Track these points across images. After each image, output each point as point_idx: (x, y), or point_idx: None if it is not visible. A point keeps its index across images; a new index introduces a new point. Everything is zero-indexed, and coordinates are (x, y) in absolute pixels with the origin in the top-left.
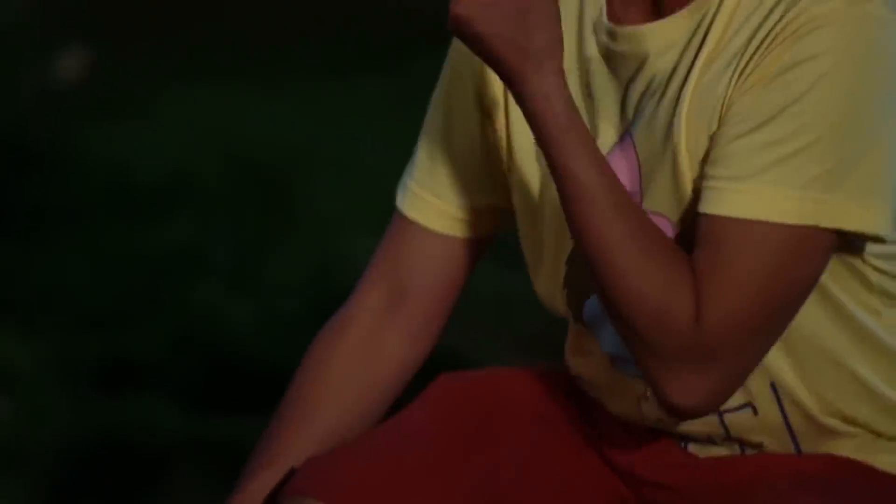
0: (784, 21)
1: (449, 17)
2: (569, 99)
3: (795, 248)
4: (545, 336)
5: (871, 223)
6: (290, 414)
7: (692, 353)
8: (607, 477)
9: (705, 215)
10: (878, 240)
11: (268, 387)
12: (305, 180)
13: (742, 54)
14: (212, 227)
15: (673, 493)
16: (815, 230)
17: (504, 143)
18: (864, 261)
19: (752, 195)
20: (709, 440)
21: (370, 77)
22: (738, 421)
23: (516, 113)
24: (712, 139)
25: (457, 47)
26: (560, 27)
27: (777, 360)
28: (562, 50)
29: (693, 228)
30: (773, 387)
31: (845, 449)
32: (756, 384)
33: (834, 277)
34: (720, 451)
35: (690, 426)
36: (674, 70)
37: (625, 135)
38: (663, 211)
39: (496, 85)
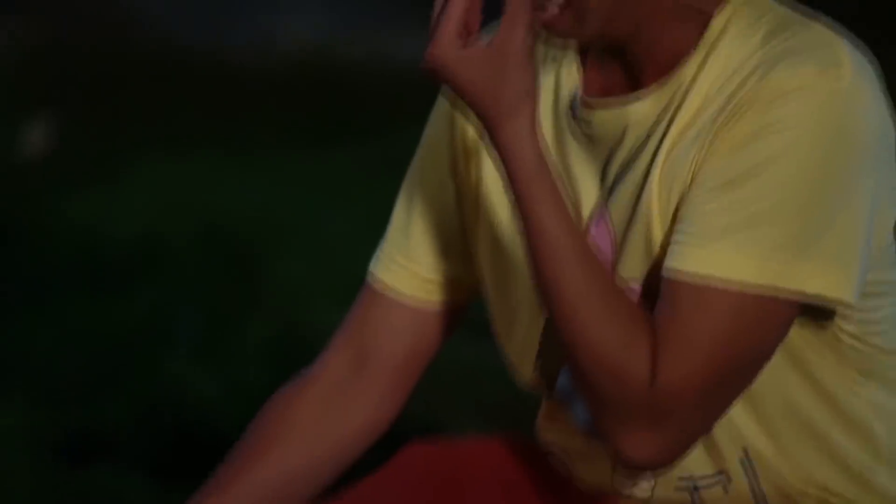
0: (758, 88)
1: (423, 61)
2: (540, 147)
3: (754, 310)
4: (513, 404)
5: (832, 288)
6: (238, 461)
7: (647, 410)
8: None
9: (667, 272)
10: (842, 305)
11: None
12: (272, 249)
13: (715, 120)
14: (179, 296)
15: None
16: (775, 293)
17: (473, 205)
18: (838, 331)
19: (713, 255)
20: None
21: (336, 147)
22: (713, 497)
23: (488, 172)
24: (681, 199)
25: (433, 122)
26: (534, 74)
27: (750, 426)
28: (536, 96)
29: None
30: (747, 454)
31: None
32: (729, 451)
33: (810, 348)
34: None
35: (663, 500)
36: (648, 138)
37: (602, 207)
38: (636, 276)
39: (471, 157)
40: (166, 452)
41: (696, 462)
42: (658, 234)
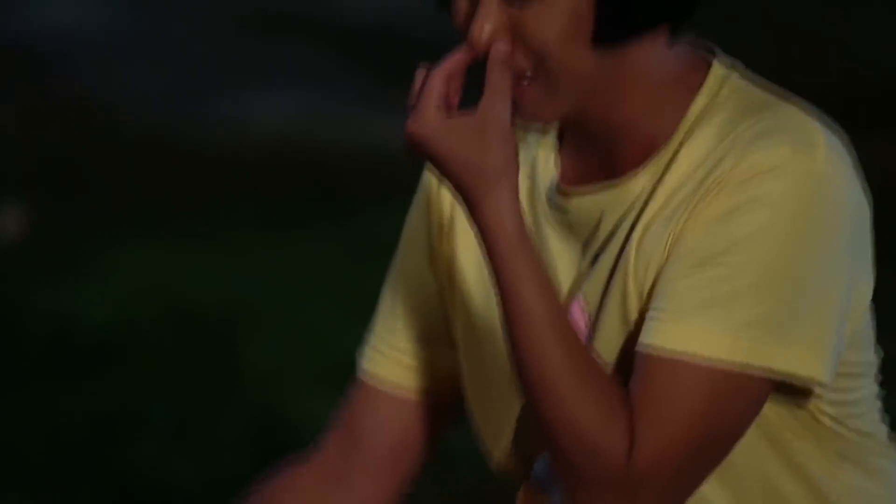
0: (734, 167)
1: (404, 135)
2: (521, 220)
3: (727, 386)
4: (490, 488)
5: (804, 367)
6: None
7: (624, 485)
8: None
9: (641, 347)
10: (815, 384)
11: None
12: (246, 333)
13: (692, 198)
14: (153, 382)
15: None
16: (748, 370)
17: (448, 289)
18: (817, 413)
19: (687, 331)
20: None
21: (308, 230)
22: None
23: (462, 253)
24: (657, 276)
25: (410, 215)
26: (515, 146)
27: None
28: (517, 169)
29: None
30: None
31: None
32: None
33: (789, 428)
34: None
35: None
36: (623, 219)
37: (577, 293)
38: (611, 355)
39: (444, 239)
40: None
41: None
42: (633, 312)
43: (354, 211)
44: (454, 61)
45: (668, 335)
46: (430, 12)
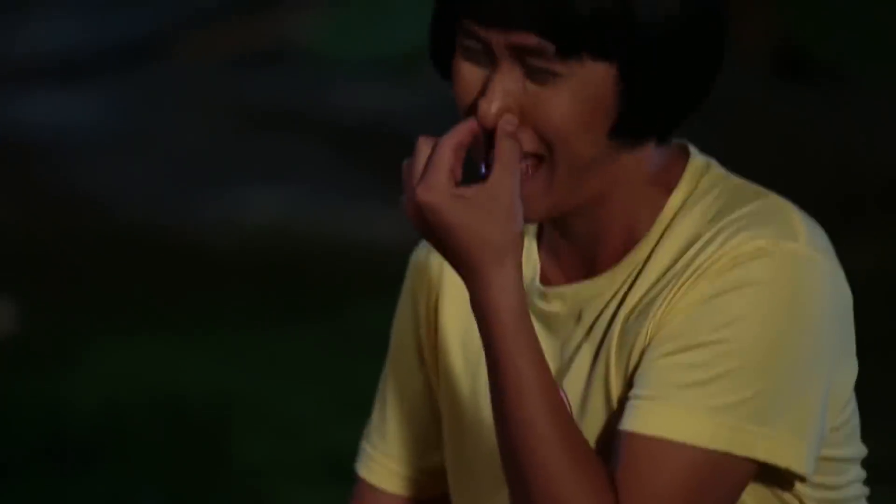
0: (718, 254)
1: (412, 204)
2: (524, 295)
3: (709, 471)
4: None
5: (783, 456)
6: None
7: None
8: None
9: (623, 430)
10: (793, 473)
11: None
12: (236, 427)
13: (674, 284)
14: (143, 474)
15: None
16: (729, 456)
17: (436, 378)
18: (803, 497)
19: (668, 415)
20: None
21: (299, 324)
22: None
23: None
24: (640, 360)
25: (397, 317)
26: (522, 224)
27: None
28: (522, 246)
29: None
30: None
31: None
32: None
33: None
34: None
35: None
36: (603, 311)
37: (559, 382)
38: (593, 442)
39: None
40: None
41: None
42: (617, 401)
43: (345, 304)
44: (462, 132)
45: (649, 419)
46: (423, 110)
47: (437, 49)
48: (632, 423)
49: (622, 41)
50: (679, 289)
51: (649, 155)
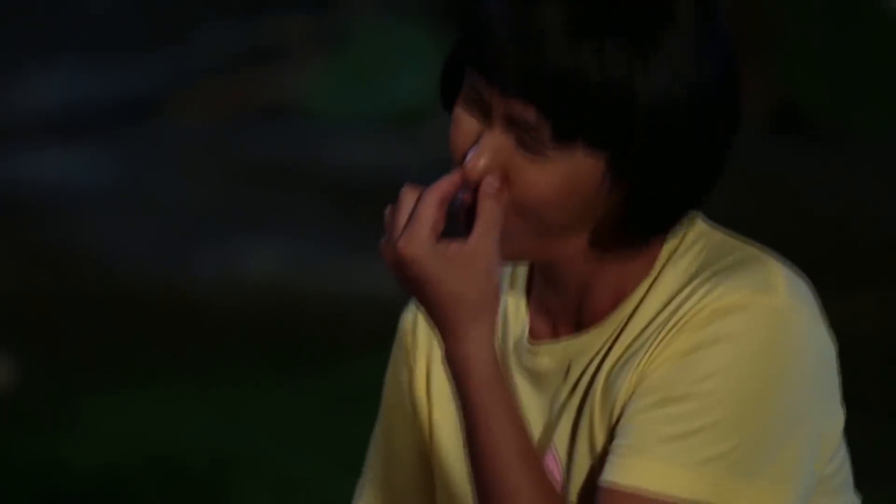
0: (698, 307)
1: (393, 255)
2: (496, 355)
3: None
4: None
5: None
6: None
7: None
8: None
9: (603, 483)
10: None
11: None
12: (233, 482)
13: (656, 336)
14: None
15: None
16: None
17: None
18: None
19: (648, 468)
20: None
21: (297, 380)
22: None
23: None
24: (622, 412)
25: (389, 374)
26: (500, 283)
27: None
28: (498, 305)
29: None
30: None
31: None
32: None
33: None
34: None
35: None
36: (589, 364)
37: (549, 444)
38: (585, 496)
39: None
40: None
41: None
42: (600, 450)
43: (344, 360)
44: (446, 186)
45: (629, 471)
46: (421, 165)
47: (446, 90)
48: (612, 474)
49: (620, 128)
50: (661, 341)
51: None
